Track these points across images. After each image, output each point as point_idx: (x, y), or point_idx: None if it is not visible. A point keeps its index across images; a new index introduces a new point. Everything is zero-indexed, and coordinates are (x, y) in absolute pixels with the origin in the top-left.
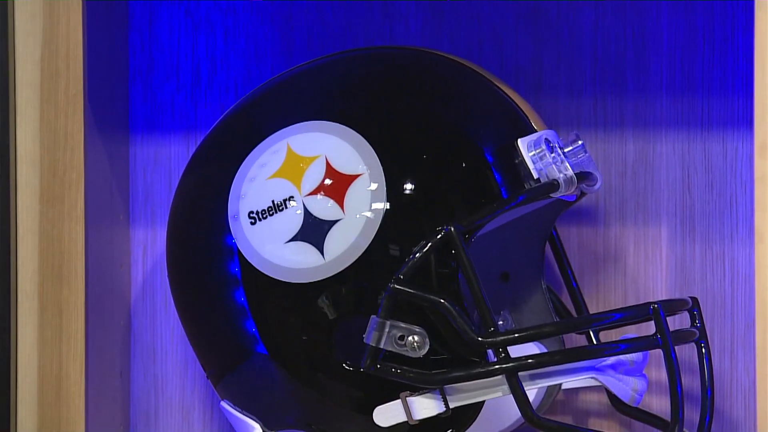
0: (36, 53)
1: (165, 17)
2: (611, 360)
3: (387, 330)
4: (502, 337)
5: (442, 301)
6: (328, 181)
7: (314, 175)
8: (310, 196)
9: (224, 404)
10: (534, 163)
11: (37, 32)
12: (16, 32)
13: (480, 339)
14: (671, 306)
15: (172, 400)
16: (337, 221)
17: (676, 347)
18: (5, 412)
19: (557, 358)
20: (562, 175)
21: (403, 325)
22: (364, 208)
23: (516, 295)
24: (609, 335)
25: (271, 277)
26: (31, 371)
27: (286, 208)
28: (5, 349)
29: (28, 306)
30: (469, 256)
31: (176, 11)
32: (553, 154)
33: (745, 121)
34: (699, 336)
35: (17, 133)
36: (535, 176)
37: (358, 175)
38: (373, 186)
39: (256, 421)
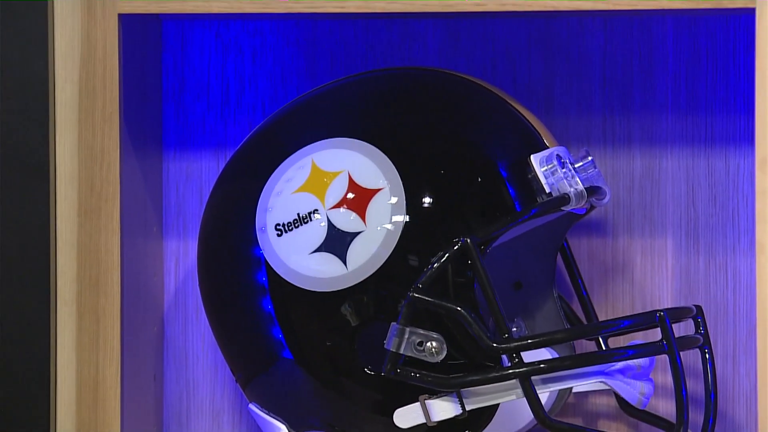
0: (74, 74)
1: (196, 40)
2: (619, 365)
3: (407, 336)
4: (516, 343)
5: (459, 309)
6: (350, 195)
7: (337, 190)
8: (334, 209)
9: (252, 406)
10: (546, 178)
11: (75, 54)
12: (55, 54)
13: (495, 345)
14: (676, 314)
15: (202, 402)
16: (359, 233)
17: (681, 353)
18: (45, 414)
19: (568, 363)
20: (572, 190)
21: (421, 331)
22: (385, 221)
23: (529, 303)
24: (617, 341)
25: (297, 286)
26: (69, 375)
27: (311, 220)
28: (45, 354)
29: (67, 313)
30: (484, 266)
31: (207, 34)
32: (564, 170)
33: (747, 138)
34: (703, 342)
35: (56, 150)
36: (547, 190)
37: (379, 190)
38: (394, 200)
39: (282, 423)
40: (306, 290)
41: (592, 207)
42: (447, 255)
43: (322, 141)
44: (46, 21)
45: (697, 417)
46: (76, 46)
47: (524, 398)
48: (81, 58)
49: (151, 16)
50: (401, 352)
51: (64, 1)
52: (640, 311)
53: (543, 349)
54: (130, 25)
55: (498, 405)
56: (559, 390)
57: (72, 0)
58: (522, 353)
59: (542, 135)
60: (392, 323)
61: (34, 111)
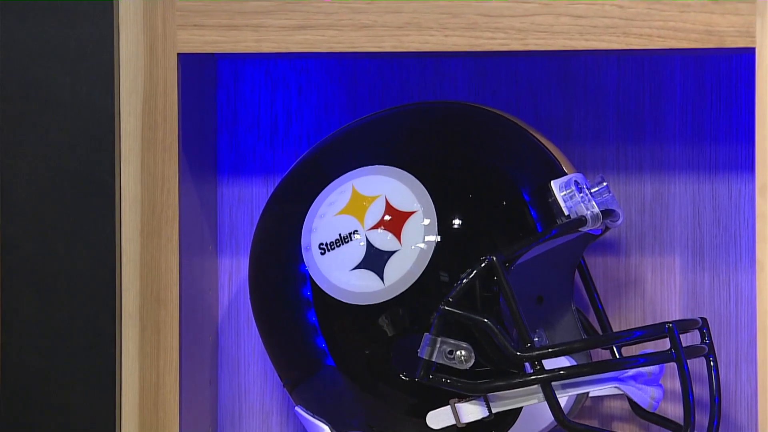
0: (138, 108)
1: (248, 76)
2: (632, 372)
3: (438, 345)
4: (538, 352)
5: (486, 320)
6: (387, 217)
7: (375, 212)
8: (372, 230)
9: (298, 409)
10: (565, 201)
11: (138, 90)
12: (121, 90)
13: (518, 353)
14: (684, 325)
15: (253, 405)
16: (395, 252)
17: (688, 361)
18: (111, 416)
19: (585, 370)
20: (589, 212)
21: (452, 341)
22: (419, 241)
23: (549, 315)
24: (630, 350)
25: (338, 300)
26: (133, 381)
27: (351, 240)
28: (111, 362)
29: (131, 325)
30: (509, 281)
31: (257, 71)
32: (581, 194)
33: (748, 166)
34: (708, 351)
35: (122, 177)
36: (566, 213)
37: (413, 212)
38: (426, 221)
39: (326, 424)
40: (347, 304)
41: (607, 228)
42: (475, 271)
43: (362, 168)
44: (113, 60)
45: (702, 419)
46: (140, 83)
47: (545, 402)
48: (144, 93)
49: (207, 55)
50: (433, 359)
51: (129, 42)
52: (651, 323)
53: (562, 357)
54: (188, 63)
55: (521, 408)
56: (577, 394)
57: (136, 41)
58: (543, 361)
59: (561, 162)
60: (425, 334)
61: (102, 141)
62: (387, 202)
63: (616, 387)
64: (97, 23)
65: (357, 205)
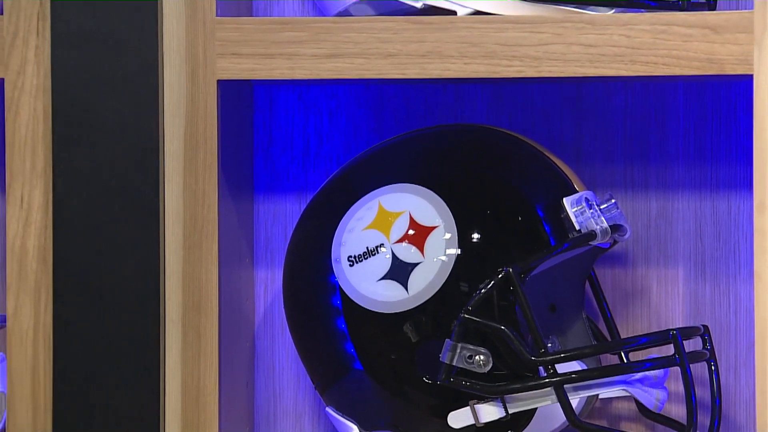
0: (180, 130)
1: (282, 101)
2: (638, 375)
3: (458, 351)
4: (551, 357)
5: (503, 327)
6: (411, 232)
7: (400, 227)
8: (397, 243)
9: (329, 410)
10: (576, 217)
11: (181, 114)
12: (165, 114)
13: (533, 358)
14: (687, 332)
15: (287, 406)
16: (418, 264)
17: (690, 365)
18: (156, 416)
19: (595, 374)
20: (598, 227)
21: (471, 347)
22: (440, 253)
23: (562, 323)
24: (636, 355)
25: (366, 309)
26: (176, 383)
27: (378, 253)
28: (156, 366)
29: (174, 331)
30: (524, 291)
31: (291, 96)
32: (591, 210)
33: (746, 184)
34: (709, 356)
35: (165, 194)
36: (577, 228)
37: (435, 227)
38: (447, 235)
39: (354, 424)
40: (374, 312)
41: (615, 242)
42: (493, 282)
43: (388, 186)
44: (157, 86)
45: (704, 419)
46: (182, 107)
47: (558, 403)
48: (186, 117)
49: (245, 82)
50: (454, 364)
51: (172, 69)
52: (656, 330)
53: (574, 362)
54: (227, 89)
55: (536, 409)
56: (588, 396)
57: (179, 69)
58: (556, 365)
59: (573, 181)
60: (446, 340)
61: (147, 161)
62: (411, 218)
63: (623, 389)
64: (143, 52)
65: (383, 221)
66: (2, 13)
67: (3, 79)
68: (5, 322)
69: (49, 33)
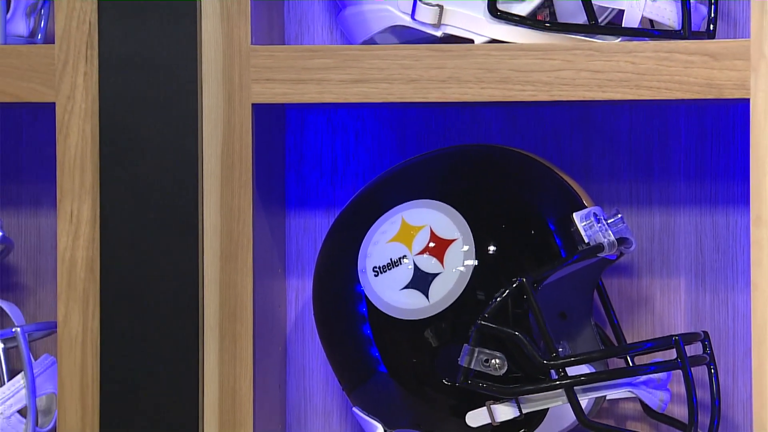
0: (217, 150)
1: (312, 123)
2: (643, 378)
3: (476, 355)
4: (562, 361)
5: (517, 333)
6: (431, 244)
7: (422, 240)
8: (419, 255)
9: (355, 409)
10: (585, 231)
11: (218, 135)
12: (203, 135)
13: (545, 362)
14: (688, 338)
15: (317, 406)
16: (438, 274)
17: (691, 368)
18: (195, 415)
19: (603, 376)
20: (606, 240)
21: (487, 351)
22: (459, 264)
23: (571, 329)
24: (641, 359)
25: (390, 316)
26: (213, 385)
27: (401, 264)
28: (195, 369)
29: (211, 337)
30: (536, 300)
31: (320, 119)
32: (599, 224)
33: (743, 200)
34: (709, 360)
35: (204, 209)
36: (586, 241)
37: (454, 240)
38: (465, 248)
39: (379, 422)
40: (397, 319)
41: (621, 254)
42: (507, 291)
43: (410, 202)
44: (196, 109)
45: (704, 419)
46: (219, 129)
47: (569, 404)
48: (223, 138)
49: (277, 105)
50: (472, 367)
51: (210, 94)
52: (659, 336)
53: (583, 365)
54: (261, 112)
55: (548, 409)
56: (596, 397)
57: (216, 93)
58: (567, 368)
59: (582, 197)
60: (464, 345)
61: (187, 179)
62: (432, 231)
63: (629, 391)
64: (183, 78)
65: (406, 234)
66: (54, 42)
67: (54, 104)
68: (56, 328)
69: (96, 60)
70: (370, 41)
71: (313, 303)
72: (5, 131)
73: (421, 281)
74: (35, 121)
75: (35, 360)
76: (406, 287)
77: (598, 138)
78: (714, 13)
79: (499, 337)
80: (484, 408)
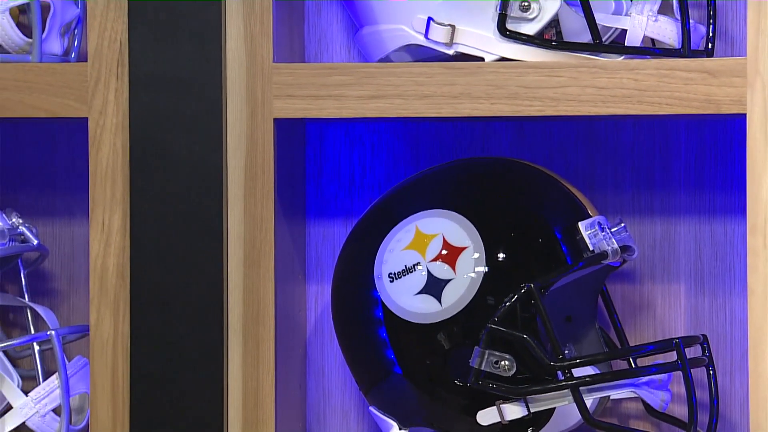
0: (241, 162)
1: (330, 137)
2: (645, 379)
3: (486, 357)
4: (568, 362)
5: (525, 336)
6: (444, 252)
7: (435, 248)
8: (432, 262)
9: (372, 408)
10: (590, 239)
11: (242, 148)
12: (228, 148)
13: (552, 364)
14: (688, 341)
15: (335, 405)
16: (450, 280)
17: (691, 370)
18: (220, 414)
19: (607, 377)
20: (610, 248)
21: (497, 353)
22: (470, 271)
23: (577, 332)
24: (643, 361)
25: (404, 320)
26: (237, 385)
27: (415, 270)
28: (220, 370)
29: (235, 340)
30: (544, 304)
31: (338, 132)
32: (603, 233)
33: (740, 210)
34: (708, 362)
35: (228, 219)
36: (591, 248)
37: (465, 248)
38: (476, 255)
39: (394, 421)
40: (411, 323)
41: (624, 261)
42: (516, 296)
43: (424, 211)
44: (221, 124)
45: (703, 418)
46: (243, 143)
47: (574, 403)
48: (246, 151)
49: (298, 120)
50: (482, 368)
51: (234, 109)
52: (660, 339)
53: (588, 367)
54: (282, 126)
55: (554, 408)
56: (600, 397)
57: (240, 109)
58: (572, 370)
59: (587, 207)
60: (475, 347)
61: (213, 189)
62: (444, 240)
63: (632, 391)
64: (208, 94)
65: (419, 242)
66: (86, 60)
67: (87, 119)
68: (88, 331)
69: (127, 77)
70: (386, 59)
71: (332, 307)
72: (41, 145)
73: (434, 287)
74: (69, 136)
75: (69, 361)
76: (420, 292)
77: (602, 151)
78: (712, 32)
79: (508, 339)
80: (494, 407)
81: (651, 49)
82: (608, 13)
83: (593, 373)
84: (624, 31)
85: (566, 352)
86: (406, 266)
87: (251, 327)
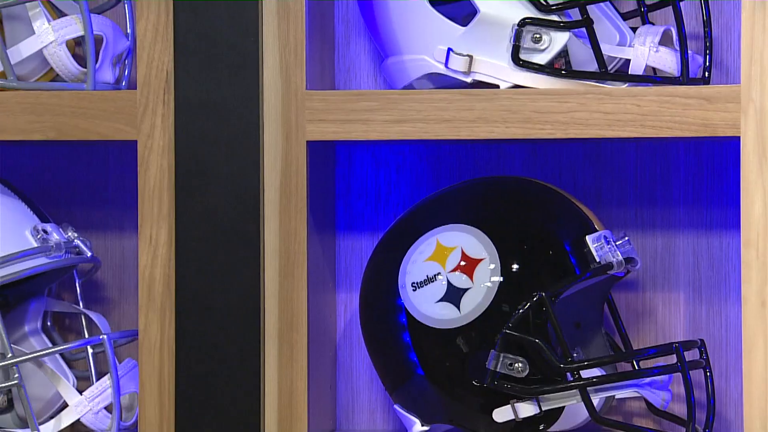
0: (276, 181)
1: (358, 158)
2: (648, 380)
3: (501, 359)
4: (576, 365)
5: (537, 341)
6: (463, 263)
7: (454, 259)
8: (452, 272)
9: (396, 407)
10: (596, 251)
11: (277, 168)
12: (264, 168)
13: (562, 366)
14: (687, 345)
15: (363, 404)
16: (468, 289)
17: (690, 372)
18: (257, 412)
19: (613, 378)
20: (615, 260)
21: (511, 356)
22: (486, 281)
23: (585, 337)
24: (646, 364)
25: (426, 325)
26: (273, 385)
27: (436, 280)
28: (257, 371)
29: (271, 344)
30: (554, 311)
31: (366, 154)
32: (609, 246)
33: (735, 224)
34: (705, 364)
35: (265, 233)
36: (597, 260)
37: (482, 259)
38: (492, 266)
39: (417, 418)
40: (432, 328)
41: (628, 271)
42: (529, 304)
43: (444, 226)
44: (258, 146)
45: (701, 416)
46: (278, 163)
47: (582, 402)
48: (281, 170)
49: (329, 142)
50: (498, 370)
51: (270, 132)
52: (661, 343)
53: (595, 369)
54: (314, 148)
55: (564, 406)
56: (606, 397)
57: (276, 132)
58: (581, 371)
59: (594, 221)
60: (491, 350)
61: (251, 206)
62: (463, 252)
63: (635, 391)
64: (247, 118)
65: (440, 254)
66: (136, 88)
67: (136, 141)
68: (137, 335)
69: (172, 104)
70: (409, 86)
71: (360, 314)
72: (94, 165)
73: (453, 295)
74: (120, 157)
75: (119, 363)
76: (441, 300)
77: (607, 170)
78: (709, 62)
79: (521, 343)
80: (509, 405)
81: (652, 77)
82: (613, 44)
83: (600, 374)
84: (628, 61)
85: (575, 355)
86: (427, 276)
87: (286, 332)
